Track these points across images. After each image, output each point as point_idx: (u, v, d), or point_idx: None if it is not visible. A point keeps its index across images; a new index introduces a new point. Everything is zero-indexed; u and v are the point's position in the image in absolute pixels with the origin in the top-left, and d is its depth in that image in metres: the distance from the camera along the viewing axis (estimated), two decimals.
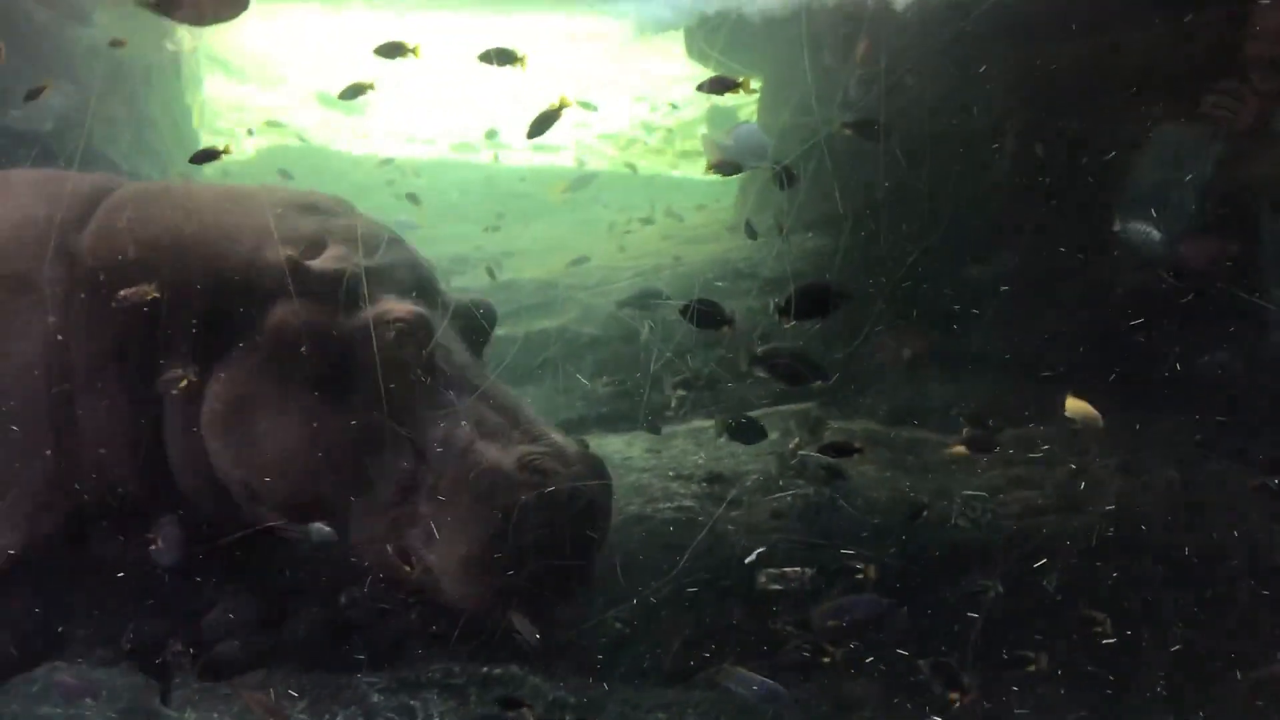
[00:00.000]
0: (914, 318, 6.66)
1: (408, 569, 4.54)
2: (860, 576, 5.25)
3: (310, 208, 4.97)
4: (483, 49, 5.17)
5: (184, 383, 4.57)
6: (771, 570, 5.52)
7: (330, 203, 5.05)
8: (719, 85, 4.96)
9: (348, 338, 4.62)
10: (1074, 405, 5.84)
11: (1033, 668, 4.85)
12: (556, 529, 4.44)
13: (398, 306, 4.69)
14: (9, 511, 4.65)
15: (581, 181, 11.45)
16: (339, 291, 4.67)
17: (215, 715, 5.31)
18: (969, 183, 6.68)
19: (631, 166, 9.21)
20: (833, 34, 7.34)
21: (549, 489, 4.44)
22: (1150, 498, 5.84)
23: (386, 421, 4.54)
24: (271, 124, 15.43)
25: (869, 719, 5.30)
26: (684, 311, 4.78)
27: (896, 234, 6.97)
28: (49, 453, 4.65)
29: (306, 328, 4.60)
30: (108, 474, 4.68)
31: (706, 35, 8.88)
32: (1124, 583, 5.39)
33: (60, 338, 4.67)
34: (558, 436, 4.73)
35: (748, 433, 5.70)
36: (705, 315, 4.75)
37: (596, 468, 4.62)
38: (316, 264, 4.69)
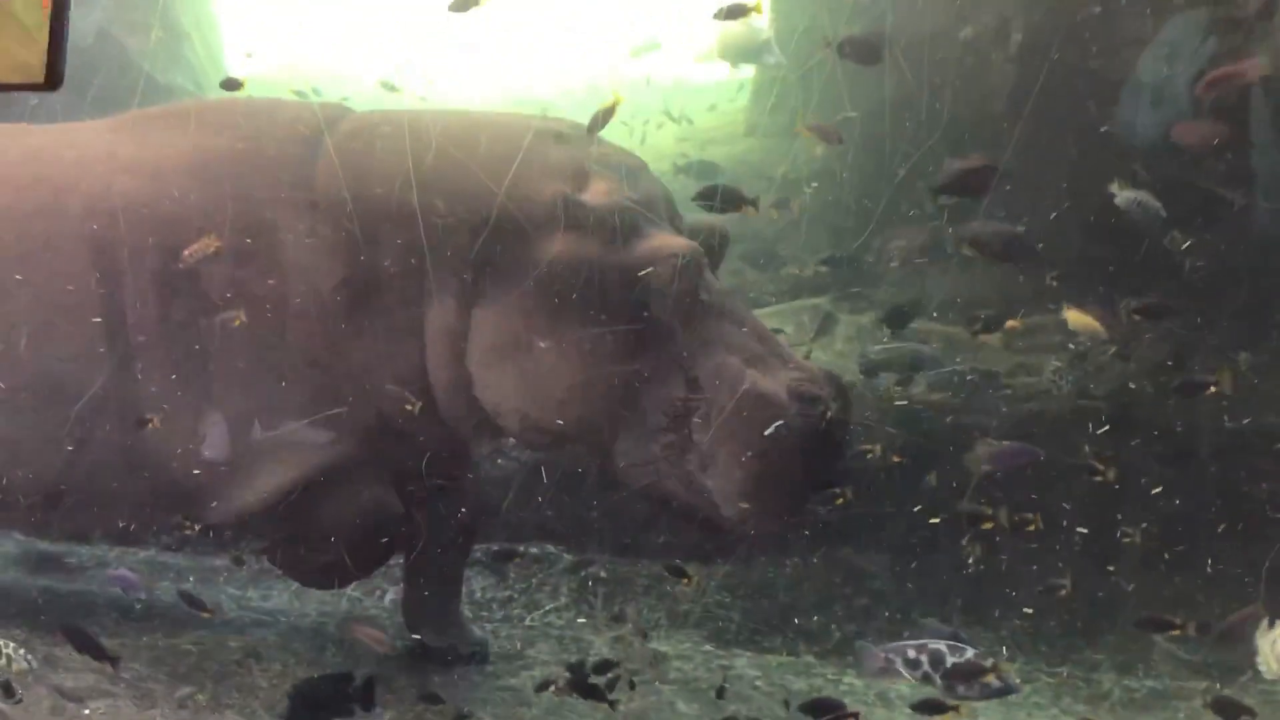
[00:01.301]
0: (917, 217, 6.91)
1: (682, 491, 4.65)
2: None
3: (559, 136, 4.89)
4: None
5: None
6: None
7: (573, 129, 4.98)
8: (733, 11, 5.15)
9: (625, 272, 4.61)
10: (1075, 318, 6.12)
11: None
12: (825, 451, 4.62)
13: (673, 240, 4.68)
14: (297, 440, 4.78)
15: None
16: (613, 226, 4.65)
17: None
18: (972, 84, 6.89)
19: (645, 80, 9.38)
20: None
21: (821, 413, 4.56)
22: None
23: (663, 353, 4.61)
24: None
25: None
26: (706, 194, 4.87)
27: (902, 134, 7.18)
28: (324, 385, 4.74)
29: (586, 263, 4.61)
30: (379, 405, 4.76)
31: None
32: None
33: (306, 274, 4.72)
34: (802, 359, 4.91)
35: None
36: (729, 195, 4.89)
37: (842, 389, 4.76)
38: (590, 199, 4.67)
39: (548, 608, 6.00)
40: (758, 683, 5.24)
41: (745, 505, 4.51)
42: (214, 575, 6.21)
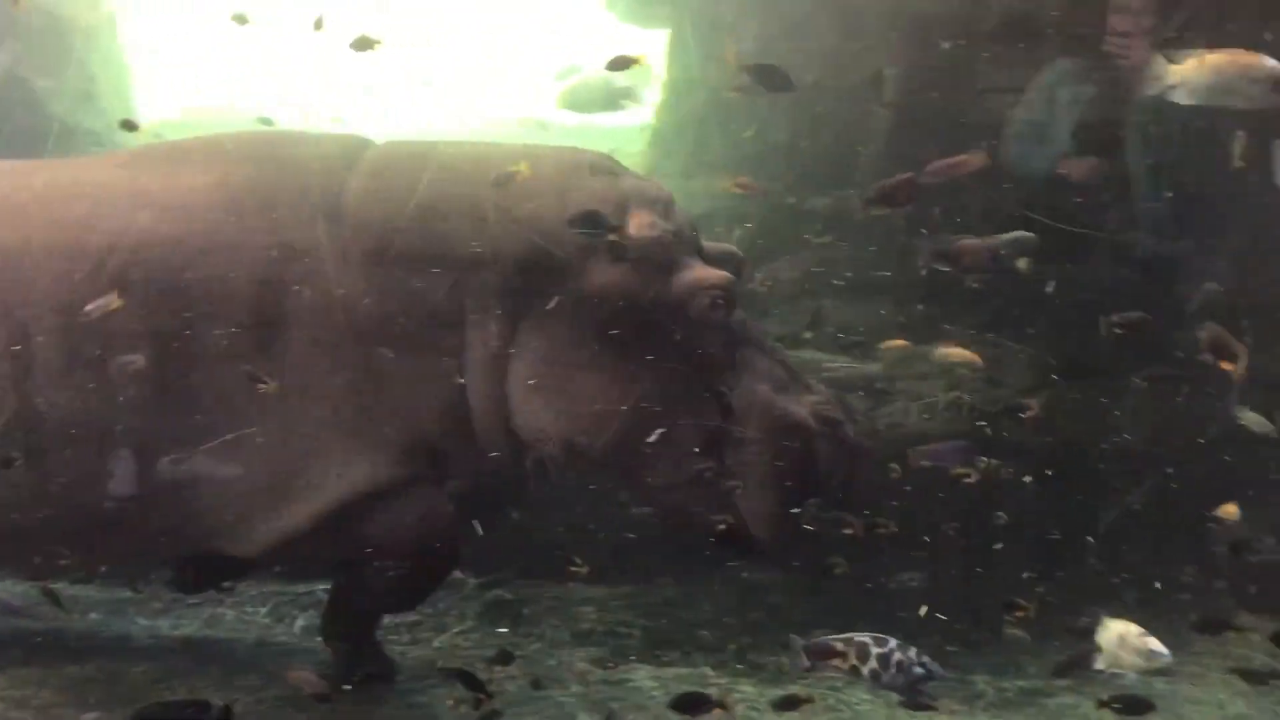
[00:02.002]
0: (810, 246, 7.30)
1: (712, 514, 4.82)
2: None
3: (595, 168, 5.02)
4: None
5: None
6: None
7: (607, 162, 5.11)
8: (620, 63, 5.44)
9: (665, 302, 4.77)
10: (950, 350, 6.55)
11: None
12: (849, 474, 4.90)
13: (710, 272, 4.85)
14: (332, 464, 4.77)
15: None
16: (654, 258, 4.80)
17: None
18: (852, 127, 7.35)
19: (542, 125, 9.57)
20: None
21: (843, 438, 4.87)
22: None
23: (698, 380, 4.80)
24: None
25: None
26: (581, 220, 4.92)
27: (795, 173, 7.61)
28: (360, 409, 4.77)
29: (627, 293, 4.75)
30: (416, 428, 4.83)
31: None
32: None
33: (343, 303, 4.75)
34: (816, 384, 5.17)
35: None
36: (597, 220, 4.94)
37: (850, 413, 5.09)
38: (632, 231, 4.78)
39: (455, 630, 6.20)
40: (655, 693, 5.50)
41: (775, 527, 4.78)
42: (124, 606, 6.30)
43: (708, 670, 5.89)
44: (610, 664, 5.90)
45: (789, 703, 4.90)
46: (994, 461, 5.68)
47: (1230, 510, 5.48)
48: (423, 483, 4.87)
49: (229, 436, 4.70)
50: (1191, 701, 5.71)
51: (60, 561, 5.15)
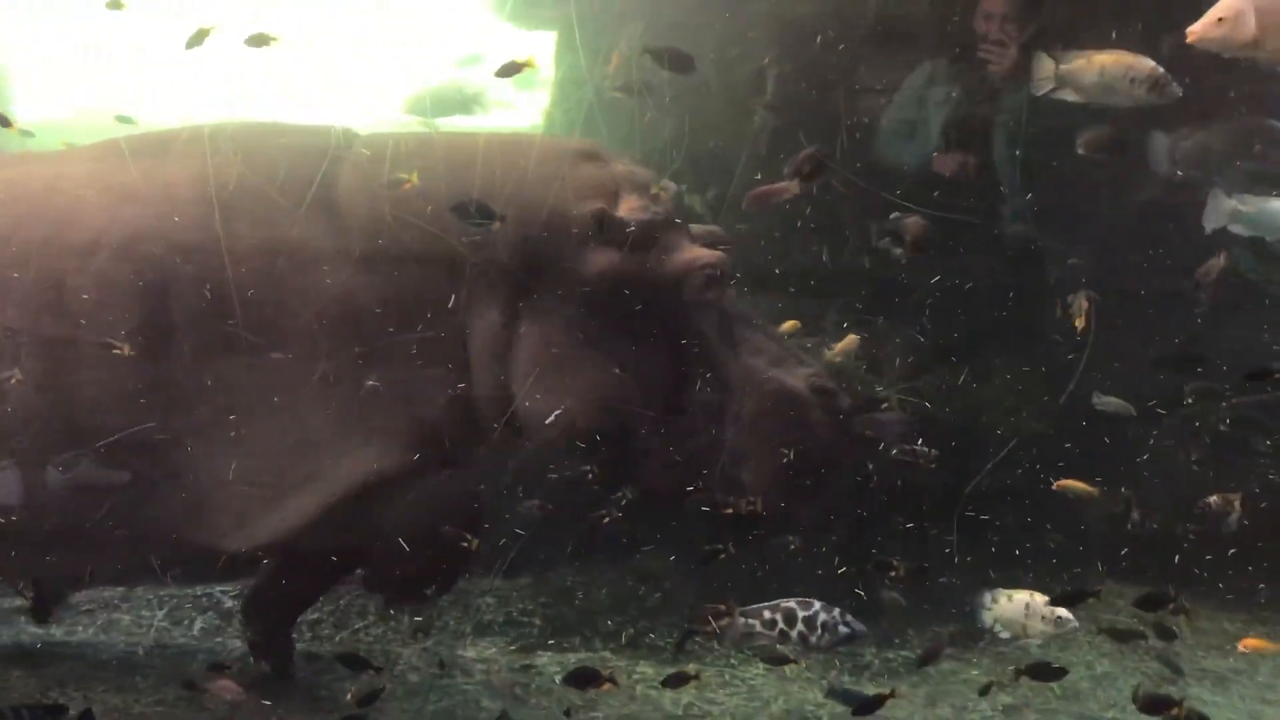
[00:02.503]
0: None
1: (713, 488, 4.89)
2: None
3: (588, 155, 5.05)
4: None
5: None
6: None
7: (598, 149, 5.16)
8: (509, 69, 5.56)
9: (661, 282, 4.83)
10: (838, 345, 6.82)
11: None
12: (845, 439, 5.00)
13: (703, 252, 4.92)
14: (343, 453, 4.72)
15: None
16: (649, 240, 4.84)
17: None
18: (735, 127, 7.59)
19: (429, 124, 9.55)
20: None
21: (838, 407, 4.96)
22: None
23: (695, 357, 4.87)
24: None
25: None
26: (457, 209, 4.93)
27: (680, 171, 7.83)
28: (364, 398, 4.72)
29: (625, 275, 4.81)
30: (423, 416, 4.80)
31: None
32: None
33: (348, 291, 4.74)
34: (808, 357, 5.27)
35: None
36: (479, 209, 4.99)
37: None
38: (626, 214, 4.85)
39: (356, 625, 6.25)
40: (556, 676, 5.65)
41: (779, 496, 4.84)
42: (13, 616, 6.19)
43: (607, 654, 6.07)
44: (513, 650, 6.02)
45: (678, 679, 5.08)
46: (933, 450, 5.92)
47: (1072, 483, 5.82)
48: (430, 471, 4.84)
49: (230, 431, 4.67)
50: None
51: (53, 563, 5.10)
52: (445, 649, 5.97)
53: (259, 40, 5.96)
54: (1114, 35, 5.67)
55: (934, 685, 5.86)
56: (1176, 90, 4.96)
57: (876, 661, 6.06)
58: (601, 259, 4.80)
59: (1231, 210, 5.17)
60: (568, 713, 5.18)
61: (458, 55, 9.66)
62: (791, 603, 4.66)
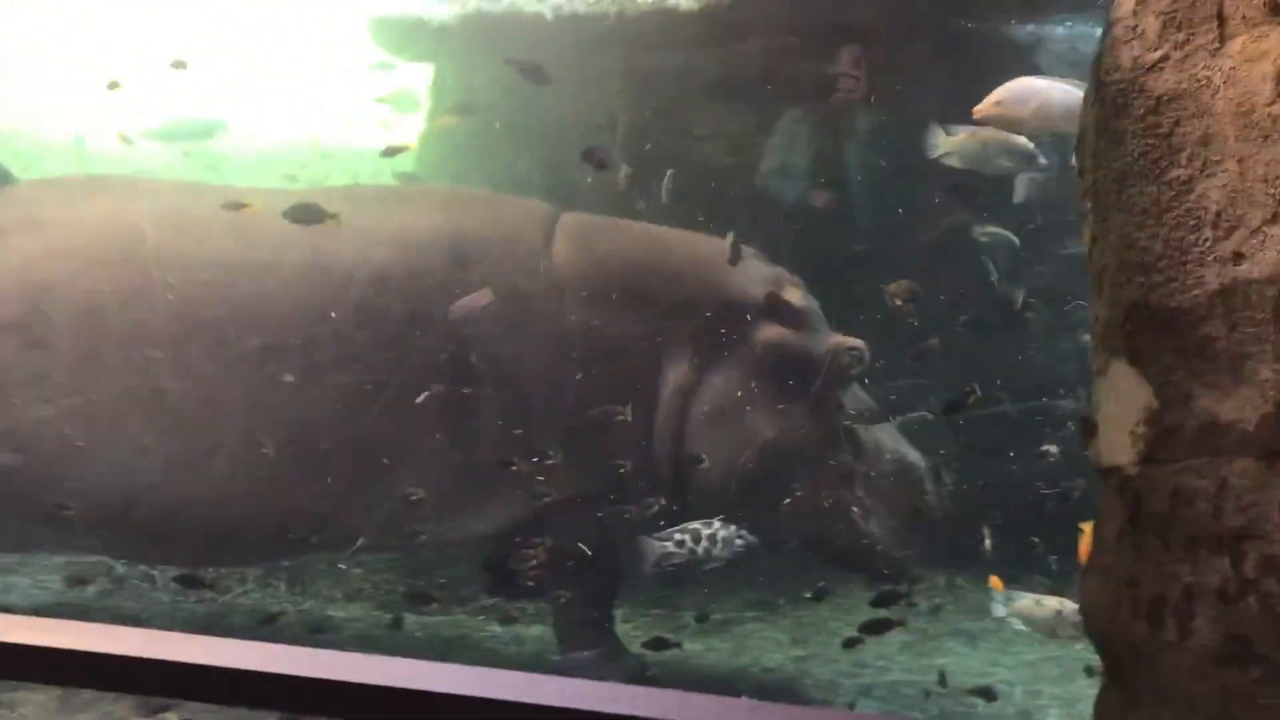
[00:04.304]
0: None
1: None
2: None
3: (753, 253, 6.14)
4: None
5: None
6: None
7: (758, 251, 6.23)
8: (390, 151, 6.42)
9: (815, 357, 5.89)
10: None
11: None
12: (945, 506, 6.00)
13: (850, 339, 6.00)
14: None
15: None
16: (809, 321, 5.95)
17: None
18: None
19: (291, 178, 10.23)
20: (487, 40, 8.96)
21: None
22: None
23: (835, 423, 5.87)
24: None
25: None
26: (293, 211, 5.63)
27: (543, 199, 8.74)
28: (568, 432, 5.56)
29: (791, 348, 5.86)
30: (608, 449, 5.65)
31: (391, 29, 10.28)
32: None
33: (560, 340, 5.61)
34: None
35: None
36: (311, 211, 5.63)
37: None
38: (793, 300, 5.94)
39: (236, 590, 6.99)
40: (418, 634, 6.52)
41: (899, 547, 5.89)
42: None
43: (463, 617, 6.93)
44: (377, 611, 6.86)
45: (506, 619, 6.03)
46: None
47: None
48: (602, 499, 5.73)
49: (449, 449, 5.55)
50: None
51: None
52: (318, 610, 6.76)
53: (178, 64, 6.68)
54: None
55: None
56: (1043, 162, 5.98)
57: (693, 623, 7.06)
58: (771, 331, 5.91)
59: (943, 141, 5.91)
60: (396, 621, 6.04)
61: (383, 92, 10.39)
62: (696, 524, 5.46)
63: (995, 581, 5.75)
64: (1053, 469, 6.09)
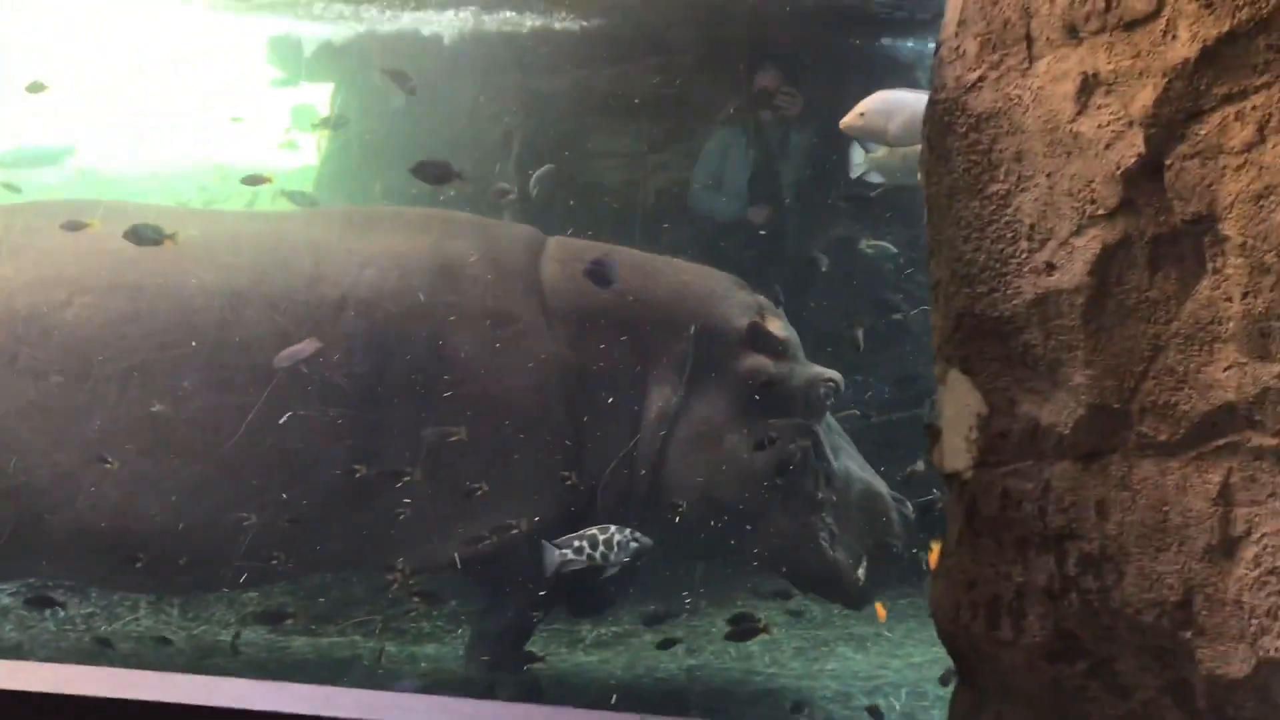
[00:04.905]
0: None
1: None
2: None
3: (739, 285, 6.25)
4: None
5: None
6: None
7: (744, 281, 6.33)
8: (253, 180, 6.40)
9: (793, 388, 5.99)
10: None
11: None
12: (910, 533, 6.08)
13: (826, 370, 6.12)
14: (519, 499, 5.61)
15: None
16: (788, 351, 6.02)
17: None
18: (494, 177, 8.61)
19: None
20: (384, 60, 8.99)
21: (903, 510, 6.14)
22: None
23: (809, 454, 5.92)
24: None
25: None
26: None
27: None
28: (548, 452, 5.65)
29: (770, 376, 5.93)
30: (589, 473, 5.72)
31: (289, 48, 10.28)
32: None
33: (547, 362, 5.66)
34: None
35: None
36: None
37: None
38: (774, 330, 6.02)
39: (126, 619, 6.88)
40: (309, 656, 6.47)
41: (863, 575, 6.01)
42: None
43: (358, 638, 6.89)
44: (271, 634, 6.80)
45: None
46: None
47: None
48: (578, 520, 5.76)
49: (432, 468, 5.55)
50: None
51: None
52: (210, 636, 6.68)
53: (35, 87, 6.61)
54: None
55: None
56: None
57: (590, 635, 7.11)
58: (752, 359, 6.02)
59: (865, 158, 6.12)
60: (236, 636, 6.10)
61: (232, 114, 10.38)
62: (593, 530, 5.59)
63: (880, 611, 6.08)
64: (922, 479, 6.27)
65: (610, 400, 5.88)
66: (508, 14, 8.32)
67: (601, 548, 5.54)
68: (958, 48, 3.06)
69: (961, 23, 3.05)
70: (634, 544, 5.59)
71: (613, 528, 5.62)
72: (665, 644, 6.38)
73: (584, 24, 8.19)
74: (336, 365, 5.47)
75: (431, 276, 5.76)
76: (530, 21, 8.40)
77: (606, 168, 8.35)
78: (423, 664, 6.43)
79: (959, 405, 3.16)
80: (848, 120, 5.55)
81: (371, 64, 8.75)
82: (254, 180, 6.15)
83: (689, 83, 8.25)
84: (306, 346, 5.30)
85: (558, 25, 8.30)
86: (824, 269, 7.43)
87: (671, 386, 5.93)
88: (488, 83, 8.61)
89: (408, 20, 8.86)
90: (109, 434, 5.28)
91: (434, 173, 5.82)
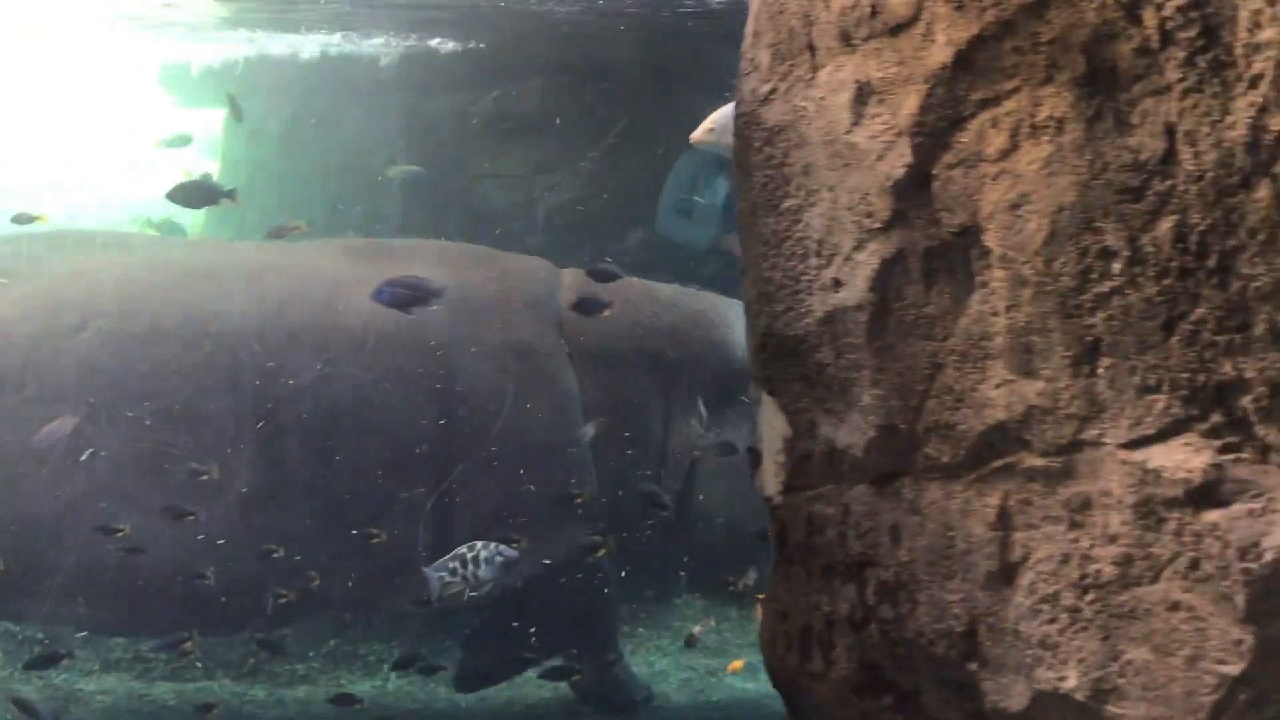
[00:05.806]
0: None
1: None
2: None
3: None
4: None
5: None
6: None
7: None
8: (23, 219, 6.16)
9: None
10: None
11: None
12: None
13: None
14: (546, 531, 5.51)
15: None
16: None
17: None
18: (376, 204, 8.50)
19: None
20: (274, 85, 8.87)
21: None
22: None
23: None
24: None
25: None
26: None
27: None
28: (572, 481, 5.55)
29: None
30: (612, 503, 5.62)
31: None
32: None
33: (568, 393, 5.63)
34: None
35: None
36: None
37: None
38: None
39: None
40: (170, 702, 6.21)
41: None
42: None
43: (227, 681, 6.64)
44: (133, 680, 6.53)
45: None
46: None
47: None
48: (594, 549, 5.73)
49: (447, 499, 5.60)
50: None
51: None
52: (68, 684, 6.39)
53: None
54: None
55: None
56: None
57: None
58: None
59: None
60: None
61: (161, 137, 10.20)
62: (462, 549, 5.46)
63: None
64: None
65: (632, 431, 5.86)
66: (388, 38, 8.22)
67: (471, 565, 5.41)
68: (753, 59, 2.95)
69: (756, 33, 2.93)
70: (500, 559, 5.45)
71: (479, 544, 5.47)
72: None
73: (455, 45, 8.11)
74: (359, 396, 5.49)
75: (451, 308, 5.67)
76: (411, 44, 8.30)
77: (491, 189, 8.24)
78: (289, 708, 6.19)
79: (769, 428, 3.05)
80: (698, 135, 5.43)
81: (260, 89, 8.61)
82: (23, 219, 5.93)
83: (574, 102, 8.18)
84: (64, 425, 5.11)
85: (441, 52, 8.23)
86: None
87: (696, 417, 5.97)
88: (372, 105, 8.47)
89: (291, 43, 8.72)
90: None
91: (197, 195, 5.62)
